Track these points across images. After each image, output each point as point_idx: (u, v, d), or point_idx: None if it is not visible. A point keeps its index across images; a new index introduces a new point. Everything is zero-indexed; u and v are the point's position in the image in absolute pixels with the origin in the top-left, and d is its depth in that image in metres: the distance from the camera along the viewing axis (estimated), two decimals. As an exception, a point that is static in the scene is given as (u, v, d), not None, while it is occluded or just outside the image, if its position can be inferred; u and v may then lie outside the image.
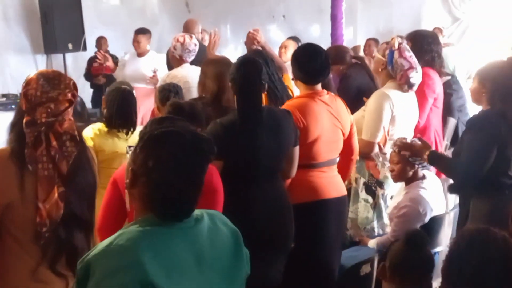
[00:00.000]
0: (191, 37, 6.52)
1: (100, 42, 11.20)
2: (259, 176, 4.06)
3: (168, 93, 5.24)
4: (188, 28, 8.57)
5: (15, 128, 2.96)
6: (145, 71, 8.69)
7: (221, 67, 4.85)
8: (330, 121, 4.51)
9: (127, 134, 4.69)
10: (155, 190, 2.19)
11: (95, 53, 10.66)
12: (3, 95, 9.67)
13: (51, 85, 2.92)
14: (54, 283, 2.93)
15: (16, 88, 10.01)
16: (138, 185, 2.24)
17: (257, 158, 4.00)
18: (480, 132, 4.17)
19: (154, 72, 8.50)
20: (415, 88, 5.25)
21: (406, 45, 5.21)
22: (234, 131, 3.94)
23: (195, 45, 6.48)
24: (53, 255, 2.91)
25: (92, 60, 11.05)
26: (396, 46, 5.11)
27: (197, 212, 2.32)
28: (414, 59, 5.19)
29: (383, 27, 11.92)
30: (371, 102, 5.20)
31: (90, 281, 2.12)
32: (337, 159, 4.69)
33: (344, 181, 4.78)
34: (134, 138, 4.56)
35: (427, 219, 4.74)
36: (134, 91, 4.95)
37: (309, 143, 4.43)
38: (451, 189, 4.54)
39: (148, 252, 2.11)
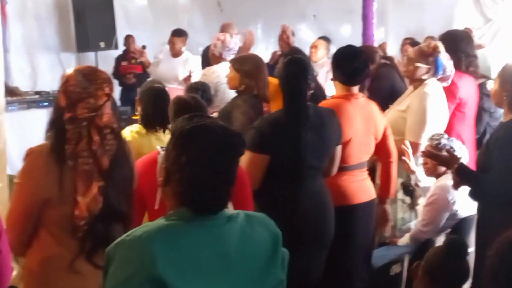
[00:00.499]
0: (232, 36, 6.59)
1: (129, 40, 11.25)
2: (303, 174, 4.10)
3: (195, 91, 5.27)
4: (223, 30, 8.59)
5: (55, 125, 2.99)
6: (178, 72, 8.74)
7: (256, 63, 4.95)
8: (363, 124, 4.52)
9: (164, 132, 4.68)
10: (188, 186, 2.20)
11: (128, 53, 10.74)
12: (36, 93, 9.77)
13: (89, 80, 2.96)
14: (92, 275, 2.96)
15: (48, 86, 10.13)
16: (171, 182, 2.25)
17: (302, 156, 4.04)
18: None
19: (190, 73, 8.53)
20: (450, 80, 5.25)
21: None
22: (280, 128, 3.99)
23: (235, 44, 6.56)
24: (91, 248, 2.96)
25: (120, 59, 11.12)
26: (442, 51, 5.13)
27: (232, 211, 2.32)
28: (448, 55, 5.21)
29: (414, 28, 11.83)
30: (415, 103, 5.16)
31: (109, 270, 2.17)
32: (366, 163, 4.69)
33: (389, 185, 4.77)
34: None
35: (455, 208, 4.72)
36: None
37: (341, 145, 4.43)
38: (472, 196, 4.44)
39: (161, 247, 2.11)
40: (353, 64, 4.54)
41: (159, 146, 3.05)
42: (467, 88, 5.78)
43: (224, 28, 8.71)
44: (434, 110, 5.11)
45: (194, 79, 8.20)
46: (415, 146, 5.07)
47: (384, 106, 5.97)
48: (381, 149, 4.70)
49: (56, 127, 2.99)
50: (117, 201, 3.02)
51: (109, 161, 2.96)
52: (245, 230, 2.31)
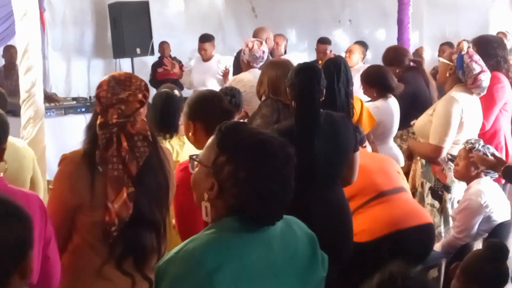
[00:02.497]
0: (260, 43, 6.58)
1: (163, 47, 11.31)
2: (318, 183, 4.04)
3: (224, 96, 5.28)
4: (256, 35, 8.60)
5: (90, 130, 3.02)
6: (212, 75, 8.79)
7: (280, 70, 4.97)
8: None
9: (165, 138, 4.57)
10: (253, 200, 2.17)
11: (163, 60, 10.81)
12: (73, 99, 9.85)
13: (122, 86, 2.97)
14: (120, 281, 2.98)
15: (85, 92, 10.23)
16: (224, 196, 2.22)
17: (313, 164, 3.98)
18: None
19: (227, 69, 8.54)
20: (485, 91, 5.18)
21: (472, 49, 5.17)
22: (291, 137, 3.92)
23: (264, 52, 6.53)
24: (120, 254, 2.96)
25: (156, 66, 11.19)
26: (465, 49, 5.06)
27: None
28: (482, 62, 5.13)
29: (449, 32, 11.78)
30: (440, 107, 5.15)
31: (161, 287, 2.15)
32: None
33: None
34: (174, 141, 4.55)
35: (488, 211, 4.69)
36: (177, 94, 4.85)
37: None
38: None
39: (215, 261, 2.09)
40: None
41: (190, 156, 2.99)
42: (509, 89, 5.85)
43: (256, 33, 8.70)
44: (459, 114, 5.07)
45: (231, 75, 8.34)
46: (438, 149, 5.06)
47: (405, 111, 5.98)
48: None
49: (90, 132, 3.02)
50: (148, 208, 3.00)
51: (139, 168, 2.95)
52: (285, 233, 2.31)
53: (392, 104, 5.93)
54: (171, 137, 4.61)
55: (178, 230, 3.62)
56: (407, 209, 4.53)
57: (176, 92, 4.82)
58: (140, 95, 2.98)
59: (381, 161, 4.81)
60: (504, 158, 5.22)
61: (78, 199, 2.93)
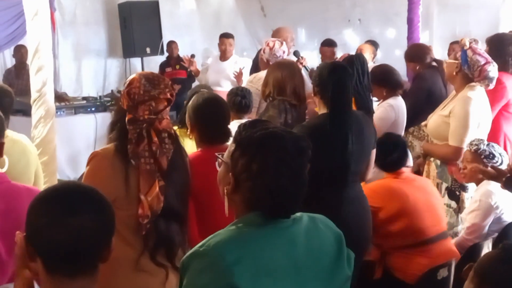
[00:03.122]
0: (281, 43, 6.61)
1: (172, 46, 11.33)
2: (347, 181, 4.09)
3: (234, 96, 5.28)
4: (276, 35, 8.52)
5: (117, 126, 3.11)
6: (228, 76, 8.79)
7: (286, 71, 4.98)
8: (422, 195, 4.61)
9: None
10: (265, 193, 2.21)
11: (171, 60, 10.81)
12: (84, 98, 9.89)
13: (152, 84, 3.07)
14: (157, 273, 3.07)
15: (95, 91, 10.26)
16: (240, 190, 2.27)
17: (347, 162, 4.01)
18: None
19: (241, 70, 8.53)
20: (494, 82, 5.16)
21: (475, 45, 5.17)
22: (323, 136, 3.94)
23: (284, 52, 6.57)
24: (154, 246, 3.05)
25: (164, 65, 11.22)
26: (468, 45, 5.07)
27: (297, 213, 2.33)
28: (487, 55, 5.13)
29: (460, 31, 11.70)
30: (457, 108, 5.10)
31: (184, 281, 2.19)
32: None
33: None
34: None
35: (499, 212, 4.68)
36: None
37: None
38: None
39: (236, 256, 2.12)
40: (394, 154, 4.64)
41: (217, 154, 3.02)
42: None
43: (277, 33, 8.60)
44: (477, 114, 5.06)
45: (245, 76, 8.35)
46: (458, 150, 5.03)
47: (420, 108, 5.97)
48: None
49: (118, 128, 3.10)
50: (175, 201, 3.11)
51: (167, 163, 3.06)
52: (310, 231, 2.33)
53: (402, 102, 5.93)
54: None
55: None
56: (446, 259, 4.55)
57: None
58: (168, 94, 3.09)
59: (429, 194, 4.76)
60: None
61: (113, 193, 2.95)
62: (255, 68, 7.80)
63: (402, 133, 6.03)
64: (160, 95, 3.06)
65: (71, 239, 1.92)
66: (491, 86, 5.15)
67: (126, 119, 3.04)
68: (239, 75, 8.49)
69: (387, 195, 4.56)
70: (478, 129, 5.09)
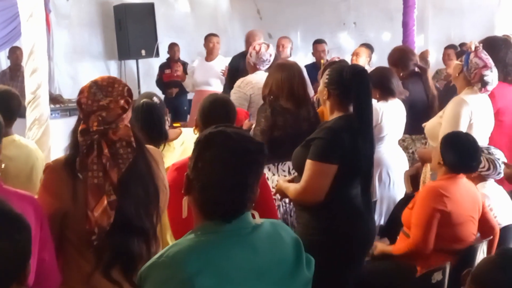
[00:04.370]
0: (268, 46, 6.57)
1: (174, 49, 11.34)
2: (371, 180, 4.13)
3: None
4: (249, 39, 8.50)
5: (73, 136, 2.95)
6: (215, 75, 8.85)
7: (287, 72, 4.97)
8: (470, 203, 4.49)
9: (158, 146, 4.32)
10: (203, 191, 2.21)
11: (171, 62, 10.84)
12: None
13: (104, 92, 2.90)
14: None
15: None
16: (192, 190, 2.26)
17: (371, 163, 4.03)
18: None
19: (227, 68, 8.54)
20: (489, 88, 5.16)
21: (482, 49, 5.18)
22: (353, 136, 3.93)
23: (270, 55, 6.53)
24: (108, 262, 2.88)
25: (163, 67, 11.23)
26: (473, 48, 5.10)
27: (257, 220, 2.31)
28: (490, 61, 5.15)
29: (455, 35, 11.76)
30: (449, 109, 5.15)
31: None
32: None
33: None
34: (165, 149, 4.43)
35: (493, 214, 4.67)
36: (157, 101, 4.55)
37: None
38: None
39: (196, 265, 2.11)
40: (476, 156, 4.50)
41: None
42: (508, 97, 5.72)
43: (249, 37, 8.59)
44: (468, 116, 5.07)
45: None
46: None
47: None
48: (483, 225, 4.60)
49: (72, 138, 2.95)
50: (135, 215, 2.92)
51: (123, 175, 2.87)
52: (272, 237, 2.32)
53: (393, 107, 5.88)
54: (161, 146, 4.44)
55: (173, 232, 3.63)
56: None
57: (155, 99, 4.59)
58: (122, 101, 2.90)
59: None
60: None
61: (62, 206, 2.88)
62: (234, 72, 7.79)
63: (393, 138, 5.98)
64: (110, 104, 2.87)
65: None
66: (485, 91, 5.16)
67: (79, 129, 2.88)
68: (226, 72, 8.56)
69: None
70: (472, 132, 5.07)
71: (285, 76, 5.00)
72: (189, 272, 2.08)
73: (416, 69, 6.85)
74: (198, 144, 2.27)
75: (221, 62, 9.00)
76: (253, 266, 2.21)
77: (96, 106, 2.87)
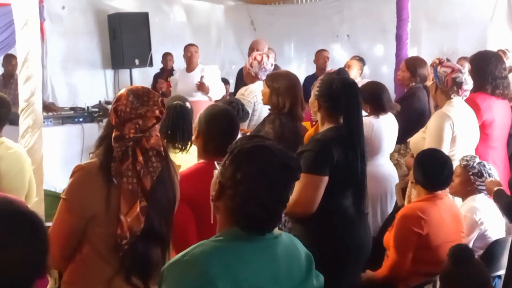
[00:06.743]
0: (268, 56, 6.62)
1: (167, 58, 11.37)
2: (364, 191, 4.12)
3: (229, 104, 5.28)
4: (254, 47, 8.58)
5: (104, 142, 3.02)
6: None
7: (287, 81, 4.99)
8: (452, 224, 4.48)
9: (181, 150, 4.60)
10: (242, 204, 2.24)
11: (159, 80, 10.88)
12: (71, 108, 9.88)
13: (140, 101, 2.97)
14: None
15: (83, 102, 10.26)
16: (224, 198, 2.30)
17: (364, 174, 4.04)
18: None
19: (202, 78, 8.65)
20: (466, 87, 5.20)
21: (446, 59, 5.31)
22: (343, 147, 3.95)
23: (272, 64, 6.59)
24: (130, 267, 2.96)
25: (157, 76, 11.24)
26: (438, 62, 5.24)
27: (276, 230, 2.37)
28: (458, 66, 5.27)
29: (448, 48, 11.80)
30: (431, 123, 5.20)
31: None
32: None
33: None
34: (191, 152, 4.55)
35: (483, 228, 4.71)
36: (189, 106, 4.83)
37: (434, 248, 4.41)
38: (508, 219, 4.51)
39: (218, 268, 2.15)
40: (443, 173, 4.49)
41: (216, 162, 2.97)
42: (494, 110, 5.76)
43: (254, 45, 8.68)
44: (450, 129, 5.11)
45: (208, 83, 8.79)
46: None
47: (410, 127, 5.97)
48: None
49: (105, 144, 3.01)
50: (158, 223, 3.02)
51: (152, 183, 2.97)
52: (289, 248, 2.39)
53: (384, 122, 5.87)
54: (186, 149, 4.61)
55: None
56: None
57: (188, 104, 4.80)
58: (157, 111, 2.99)
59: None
60: None
61: (93, 210, 2.93)
62: (241, 84, 7.83)
63: (384, 153, 5.99)
64: (147, 113, 2.95)
65: None
66: (463, 93, 5.19)
67: (113, 135, 2.95)
68: (201, 85, 8.63)
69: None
70: (456, 145, 5.12)
71: (285, 85, 5.02)
72: (211, 275, 2.13)
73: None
74: (239, 155, 2.30)
75: (202, 71, 9.14)
76: (272, 275, 2.27)
77: (134, 114, 2.96)
